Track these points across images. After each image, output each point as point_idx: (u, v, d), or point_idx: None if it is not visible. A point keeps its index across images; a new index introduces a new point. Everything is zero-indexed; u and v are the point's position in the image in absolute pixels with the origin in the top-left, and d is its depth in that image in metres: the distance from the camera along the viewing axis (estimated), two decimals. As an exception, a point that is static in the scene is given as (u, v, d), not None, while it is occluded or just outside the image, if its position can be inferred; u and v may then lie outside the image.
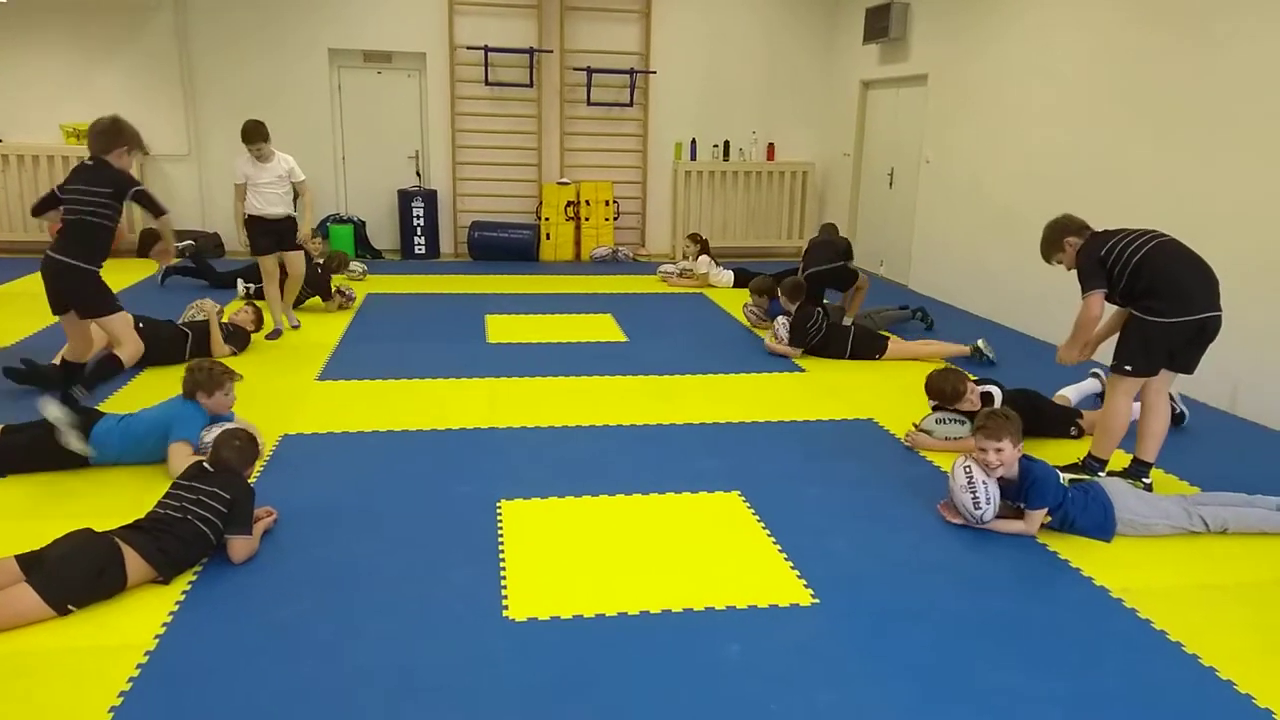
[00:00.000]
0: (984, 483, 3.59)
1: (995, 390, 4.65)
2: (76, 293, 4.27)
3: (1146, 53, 5.87)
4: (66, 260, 4.19)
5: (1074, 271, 4.03)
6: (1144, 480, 4.02)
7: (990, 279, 7.52)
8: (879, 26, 8.97)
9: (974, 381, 4.70)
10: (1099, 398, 5.04)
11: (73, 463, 3.90)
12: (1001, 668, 2.76)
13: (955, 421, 4.59)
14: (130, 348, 4.36)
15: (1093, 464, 4.14)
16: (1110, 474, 4.10)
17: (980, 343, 6.20)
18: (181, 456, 3.78)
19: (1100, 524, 3.60)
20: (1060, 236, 4.11)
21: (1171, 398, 4.53)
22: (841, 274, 6.91)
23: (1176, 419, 4.89)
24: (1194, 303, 3.74)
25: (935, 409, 4.65)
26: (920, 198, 8.69)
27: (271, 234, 6.26)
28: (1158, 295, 3.75)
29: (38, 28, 9.23)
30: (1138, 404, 4.09)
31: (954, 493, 3.66)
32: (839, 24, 10.33)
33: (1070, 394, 5.03)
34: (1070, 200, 6.57)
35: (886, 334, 6.57)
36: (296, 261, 6.46)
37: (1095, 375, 5.21)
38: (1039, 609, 3.11)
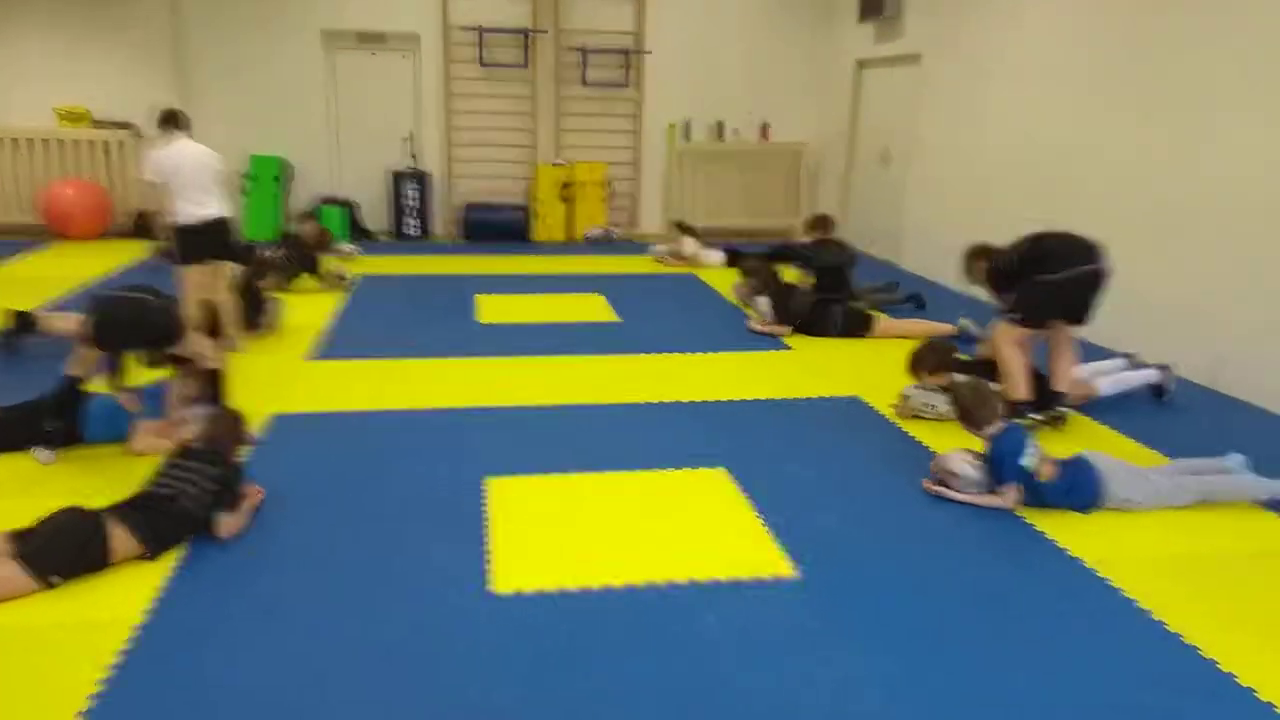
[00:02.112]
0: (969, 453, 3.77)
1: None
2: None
3: (1135, 34, 5.86)
4: None
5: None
6: (1058, 410, 4.52)
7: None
8: (873, 4, 8.94)
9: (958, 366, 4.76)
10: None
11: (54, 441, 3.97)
12: (979, 639, 2.81)
13: (934, 390, 4.66)
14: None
15: (1018, 408, 4.41)
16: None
17: (963, 320, 6.23)
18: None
19: (1085, 505, 3.64)
20: (973, 261, 4.92)
21: (1168, 370, 4.97)
22: (846, 280, 6.88)
23: (1158, 390, 4.95)
24: (1074, 257, 4.38)
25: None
26: (912, 176, 8.69)
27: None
28: (1050, 259, 4.40)
29: (29, 10, 9.18)
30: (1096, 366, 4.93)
31: (951, 464, 3.77)
32: (834, 3, 10.27)
33: (1103, 383, 4.88)
34: (1058, 179, 6.58)
35: (875, 312, 6.59)
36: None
37: (1128, 356, 5.21)
38: (1016, 581, 3.16)
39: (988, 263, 4.77)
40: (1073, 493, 3.64)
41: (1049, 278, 4.37)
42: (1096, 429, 4.61)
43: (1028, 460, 3.61)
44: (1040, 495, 3.64)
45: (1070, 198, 6.42)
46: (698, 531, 3.47)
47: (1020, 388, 4.47)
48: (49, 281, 7.23)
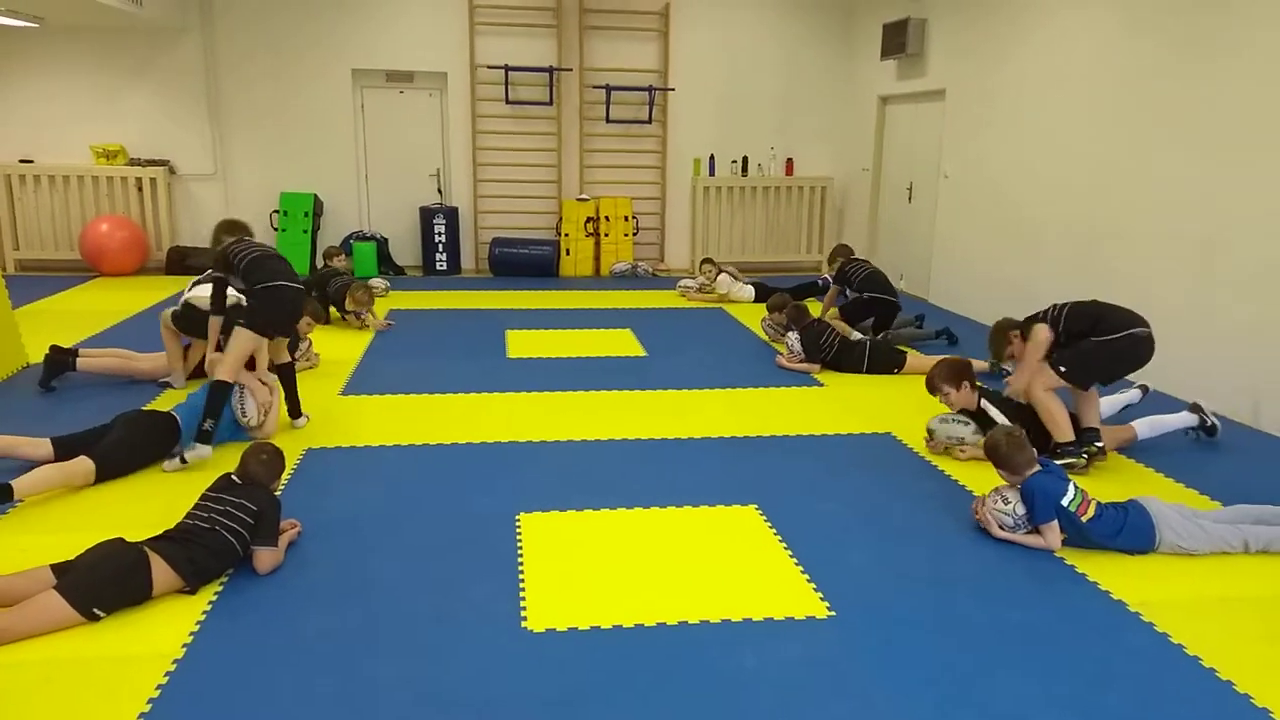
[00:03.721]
0: (1007, 487, 3.75)
1: (997, 414, 4.60)
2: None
3: (1162, 62, 5.86)
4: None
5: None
6: (1097, 444, 4.45)
7: (1010, 291, 7.50)
8: (896, 42, 9.01)
9: (979, 387, 4.72)
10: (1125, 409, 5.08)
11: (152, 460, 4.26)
12: (1018, 680, 2.76)
13: (958, 422, 4.63)
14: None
15: (1065, 449, 4.41)
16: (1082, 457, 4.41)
17: (997, 357, 6.19)
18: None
19: (1137, 550, 3.58)
20: (1005, 332, 4.85)
21: (1201, 408, 4.92)
22: (892, 308, 7.15)
23: (1209, 430, 4.89)
24: (1129, 320, 4.39)
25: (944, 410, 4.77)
26: (940, 211, 8.71)
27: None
28: (1101, 323, 4.39)
29: (67, 50, 9.45)
30: (1119, 395, 5.02)
31: (988, 509, 3.75)
32: (856, 40, 10.38)
33: (1141, 426, 4.83)
34: (1091, 211, 6.57)
35: (904, 348, 6.58)
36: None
37: (1143, 388, 5.18)
38: (1056, 622, 3.11)
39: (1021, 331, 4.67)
40: (1123, 536, 3.58)
41: (1108, 338, 4.34)
42: (1139, 470, 4.55)
43: (1068, 500, 3.57)
44: (1086, 535, 3.59)
45: (1103, 230, 6.42)
46: (729, 570, 3.45)
47: (1066, 431, 4.43)
48: (87, 317, 7.36)
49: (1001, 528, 3.68)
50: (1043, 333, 4.48)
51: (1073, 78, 6.76)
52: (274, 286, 4.46)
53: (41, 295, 8.30)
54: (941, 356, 5.96)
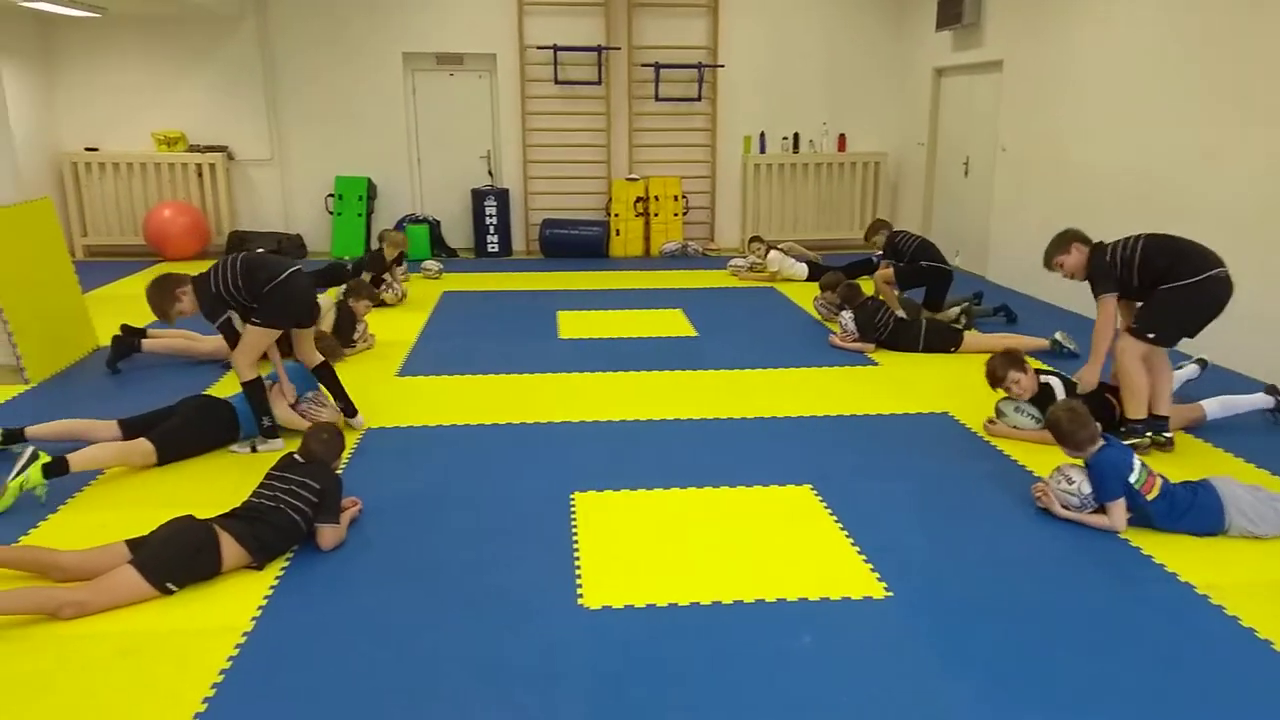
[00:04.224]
0: (1070, 466, 3.66)
1: (1056, 381, 4.56)
2: None
3: (1236, 34, 5.64)
4: None
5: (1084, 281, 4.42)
6: (1165, 434, 4.30)
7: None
8: (952, 13, 8.81)
9: (1036, 370, 4.63)
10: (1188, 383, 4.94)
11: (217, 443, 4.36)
12: (1080, 663, 2.72)
13: (1029, 415, 4.54)
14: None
15: (1134, 427, 4.28)
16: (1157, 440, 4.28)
17: (1059, 335, 6.06)
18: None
19: (1205, 531, 3.49)
20: (1069, 241, 4.47)
21: (1278, 390, 4.72)
22: (945, 276, 6.99)
23: None
24: (1207, 261, 4.08)
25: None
26: (998, 186, 8.52)
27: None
28: (1180, 263, 4.10)
29: (128, 40, 9.67)
30: (1179, 370, 4.71)
31: (1051, 489, 3.68)
32: (910, 11, 10.16)
33: (1212, 406, 4.67)
34: (1155, 186, 6.38)
35: (959, 327, 6.47)
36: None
37: (1200, 362, 5.05)
38: (1120, 604, 3.06)
39: (1090, 252, 4.35)
40: (1190, 517, 3.49)
41: (1185, 282, 4.03)
42: (1208, 450, 4.42)
43: (1133, 477, 3.49)
44: (1149, 516, 3.51)
45: (1170, 206, 6.21)
46: (784, 549, 3.44)
47: (1142, 408, 4.28)
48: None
49: (1065, 507, 3.61)
50: (1110, 307, 4.26)
51: (1138, 48, 6.54)
52: (280, 281, 4.23)
53: (108, 280, 8.55)
54: (1001, 341, 5.89)
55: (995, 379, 4.57)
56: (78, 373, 5.68)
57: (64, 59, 9.67)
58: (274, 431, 4.35)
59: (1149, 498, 3.50)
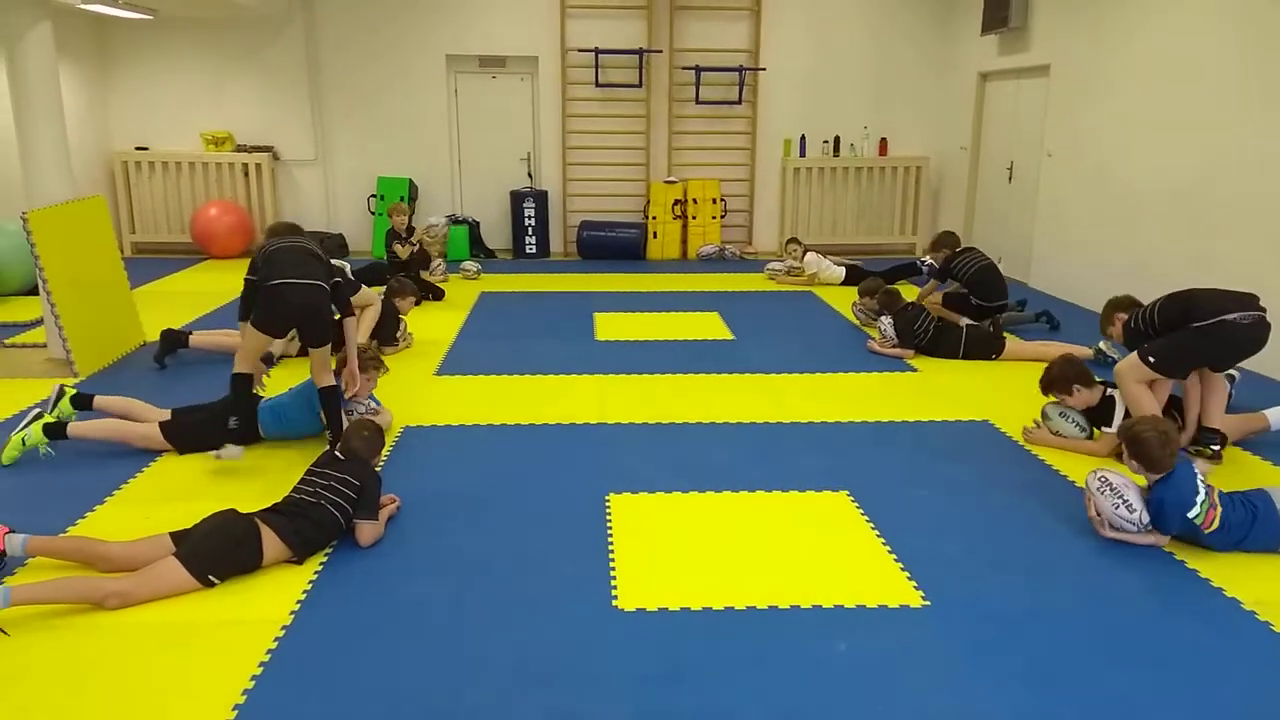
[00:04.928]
0: (1125, 486, 3.48)
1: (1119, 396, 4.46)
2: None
3: (1292, 36, 5.51)
4: None
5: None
6: (1214, 447, 4.28)
7: (1116, 276, 7.18)
8: (998, 16, 8.70)
9: (1099, 383, 4.54)
10: None
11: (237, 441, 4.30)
12: (1121, 676, 2.67)
13: (1075, 424, 4.46)
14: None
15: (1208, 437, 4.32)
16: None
17: (1103, 344, 5.95)
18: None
19: (1264, 550, 3.39)
20: (1112, 312, 4.64)
21: None
22: (996, 313, 6.68)
23: None
24: (1223, 306, 4.14)
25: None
26: (1042, 192, 8.39)
27: None
28: (1192, 310, 4.17)
29: (178, 41, 9.87)
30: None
31: (1104, 511, 3.50)
32: (955, 15, 10.05)
33: (1274, 415, 4.57)
34: (1205, 193, 6.24)
35: (1004, 334, 6.38)
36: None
37: (1229, 377, 4.93)
38: (1163, 619, 2.99)
39: (1126, 316, 4.51)
40: (1251, 539, 3.37)
41: (1194, 325, 4.14)
42: (1261, 464, 4.33)
43: (1194, 513, 3.35)
44: (1208, 547, 3.41)
45: (1216, 214, 6.08)
46: (820, 555, 3.42)
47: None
48: (197, 297, 7.71)
49: (1113, 528, 3.49)
50: (1126, 369, 4.33)
51: (1190, 53, 6.40)
52: (272, 286, 4.04)
53: (156, 277, 8.73)
54: (1044, 350, 5.79)
55: (1055, 384, 4.50)
56: (125, 367, 5.80)
57: (117, 60, 9.90)
58: (237, 436, 4.14)
59: (1207, 531, 3.37)
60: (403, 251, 7.92)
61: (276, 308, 4.07)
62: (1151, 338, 4.29)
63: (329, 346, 4.21)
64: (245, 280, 4.21)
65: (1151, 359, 4.22)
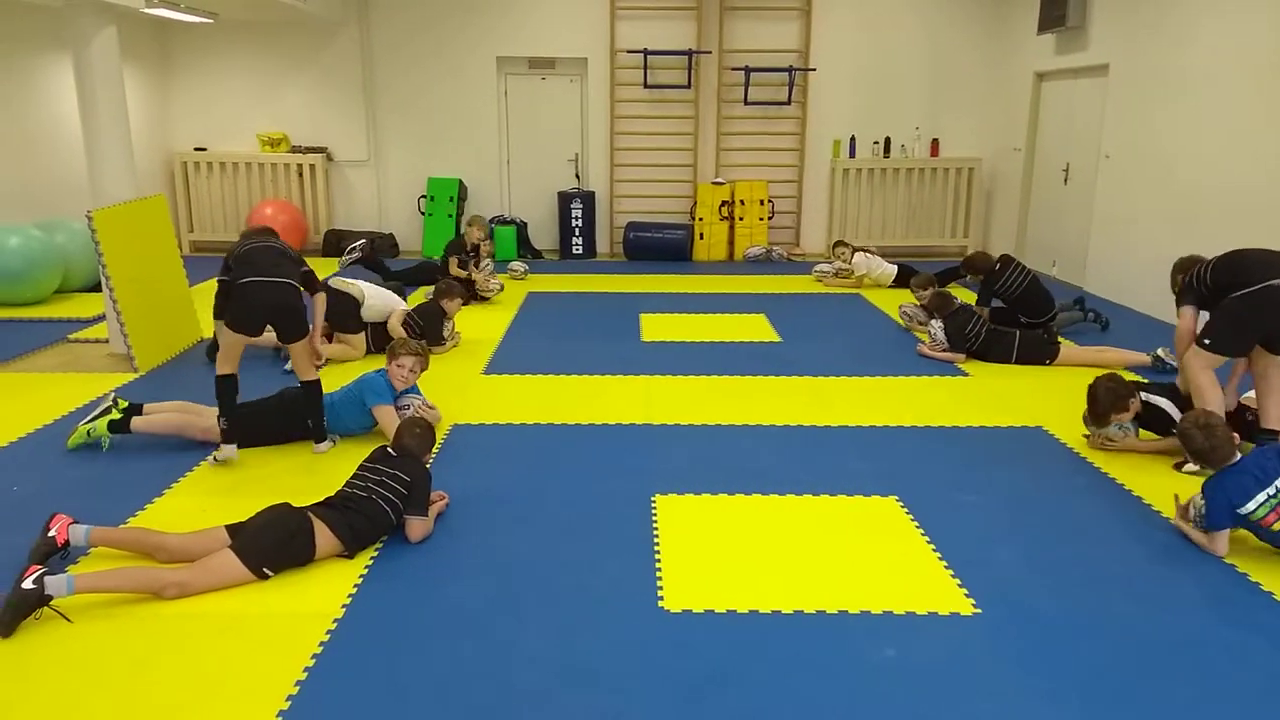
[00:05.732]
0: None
1: (1166, 404, 4.33)
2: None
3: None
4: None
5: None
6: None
7: (1175, 281, 7.02)
8: (1055, 15, 8.53)
9: (1143, 388, 4.44)
10: None
11: (295, 435, 4.44)
12: (1177, 689, 2.60)
13: (1119, 426, 4.38)
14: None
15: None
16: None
17: (1161, 351, 5.80)
18: (386, 415, 4.33)
19: None
20: (1175, 273, 4.56)
21: None
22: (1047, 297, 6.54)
23: None
24: (1268, 270, 4.00)
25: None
26: (1099, 194, 8.21)
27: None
28: (1242, 274, 4.06)
29: (236, 44, 10.10)
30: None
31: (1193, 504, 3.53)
32: (1010, 14, 9.88)
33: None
34: (1266, 197, 6.06)
35: (1059, 339, 6.25)
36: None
37: None
38: (1221, 629, 2.91)
39: (1183, 276, 4.40)
40: None
41: (1240, 292, 4.02)
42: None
43: (1254, 506, 3.27)
44: (1263, 536, 3.33)
45: (1278, 218, 5.90)
46: (868, 561, 3.38)
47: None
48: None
49: (1184, 518, 3.53)
50: (1185, 320, 4.27)
51: (1254, 52, 6.22)
52: (244, 284, 4.12)
53: (212, 275, 8.86)
54: (1100, 356, 5.67)
55: (1107, 410, 4.27)
56: (182, 362, 5.95)
57: (178, 64, 10.16)
58: (227, 435, 4.18)
59: (1273, 528, 3.27)
60: (458, 271, 7.73)
61: (250, 306, 4.17)
62: (1204, 295, 4.22)
63: (306, 340, 4.32)
64: (218, 280, 4.35)
65: (1207, 341, 4.15)
